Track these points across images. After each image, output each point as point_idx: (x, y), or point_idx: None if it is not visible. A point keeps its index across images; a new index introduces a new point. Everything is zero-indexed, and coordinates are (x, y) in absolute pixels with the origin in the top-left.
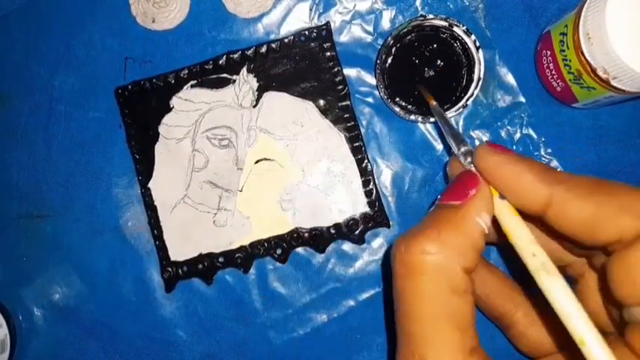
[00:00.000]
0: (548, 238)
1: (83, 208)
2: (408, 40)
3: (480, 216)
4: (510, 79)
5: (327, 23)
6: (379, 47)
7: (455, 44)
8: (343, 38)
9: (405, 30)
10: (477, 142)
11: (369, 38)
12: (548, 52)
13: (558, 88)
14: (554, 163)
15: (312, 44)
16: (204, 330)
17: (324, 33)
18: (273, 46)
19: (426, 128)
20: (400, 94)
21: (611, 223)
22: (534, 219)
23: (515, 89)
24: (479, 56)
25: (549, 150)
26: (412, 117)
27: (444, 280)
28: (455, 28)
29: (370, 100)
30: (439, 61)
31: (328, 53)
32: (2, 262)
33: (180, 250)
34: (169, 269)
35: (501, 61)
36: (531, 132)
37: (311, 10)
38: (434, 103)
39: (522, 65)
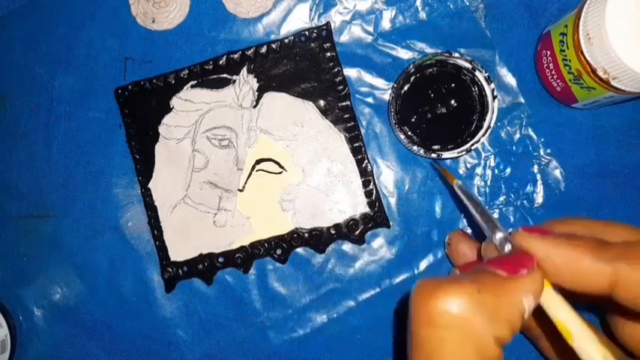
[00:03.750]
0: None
1: (83, 208)
2: (428, 72)
3: (527, 296)
4: (510, 79)
5: (328, 23)
6: (399, 73)
7: (473, 88)
8: (343, 38)
9: (428, 62)
10: (478, 146)
11: (369, 38)
12: (548, 53)
13: (558, 89)
14: (554, 163)
15: (313, 44)
16: (204, 330)
17: (324, 33)
18: (274, 46)
19: None
20: (408, 122)
21: None
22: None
23: (514, 90)
24: (494, 105)
25: (549, 150)
26: (414, 148)
27: (471, 343)
28: (477, 73)
29: (370, 100)
30: (453, 101)
31: (328, 53)
32: (2, 262)
33: (180, 251)
34: (169, 269)
35: (501, 61)
36: (531, 132)
37: (311, 10)
38: (458, 182)
39: (522, 65)
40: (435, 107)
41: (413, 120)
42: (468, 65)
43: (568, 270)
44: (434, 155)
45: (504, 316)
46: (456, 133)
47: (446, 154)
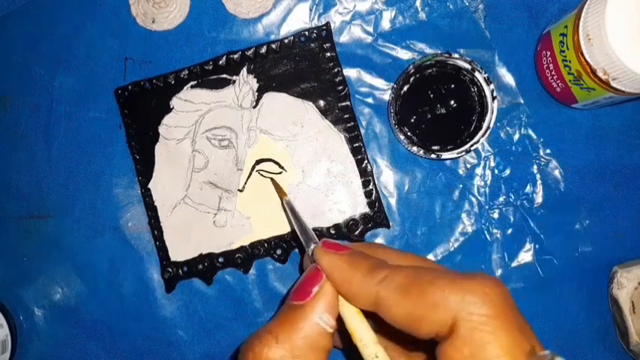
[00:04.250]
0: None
1: (83, 208)
2: (428, 73)
3: (321, 316)
4: (510, 79)
5: (327, 24)
6: (399, 74)
7: (472, 89)
8: (343, 39)
9: (428, 63)
10: (477, 147)
11: (369, 39)
12: (548, 53)
13: (558, 89)
14: (553, 164)
15: (312, 45)
16: (204, 330)
17: (324, 33)
18: (273, 46)
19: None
20: (408, 123)
21: (427, 319)
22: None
23: (514, 90)
24: (493, 106)
25: (548, 150)
26: (414, 148)
27: None
28: (476, 74)
29: (370, 100)
30: (453, 102)
31: (328, 54)
32: (3, 263)
33: (180, 251)
34: (169, 269)
35: (501, 61)
36: (531, 132)
37: (311, 10)
38: (287, 198)
39: (522, 65)
40: (435, 108)
41: (412, 120)
42: (467, 66)
43: (345, 286)
44: (433, 156)
45: (305, 345)
46: (456, 133)
47: (445, 155)
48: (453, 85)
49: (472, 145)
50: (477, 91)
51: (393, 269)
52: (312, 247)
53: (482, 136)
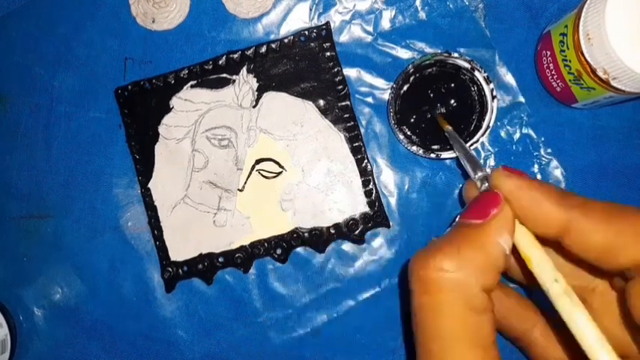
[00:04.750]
0: (565, 262)
1: (83, 208)
2: (428, 72)
3: (501, 236)
4: (510, 79)
5: (327, 23)
6: (399, 73)
7: (472, 88)
8: (343, 38)
9: (427, 62)
10: (477, 146)
11: (369, 38)
12: (548, 53)
13: (558, 89)
14: (554, 163)
15: (312, 44)
16: (204, 330)
17: (323, 33)
18: (273, 46)
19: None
20: (407, 122)
21: (629, 249)
22: (552, 243)
23: (514, 89)
24: (493, 105)
25: (549, 150)
26: (414, 148)
27: (462, 298)
28: (476, 73)
29: (370, 100)
30: (453, 101)
31: (328, 53)
32: (3, 262)
33: (180, 250)
34: (169, 269)
35: (501, 61)
36: (531, 132)
37: (311, 10)
38: (449, 127)
39: (522, 65)
40: (435, 107)
41: (412, 120)
42: (467, 65)
43: (530, 210)
44: (433, 155)
45: (488, 263)
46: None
47: (445, 154)
48: (452, 85)
49: (472, 145)
50: (477, 90)
51: (588, 199)
52: (480, 174)
53: (483, 135)
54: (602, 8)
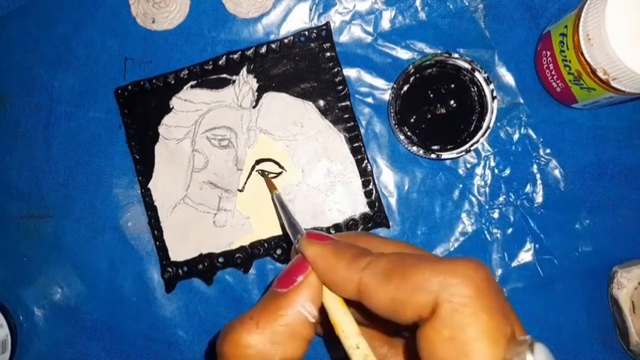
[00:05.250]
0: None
1: (83, 208)
2: (428, 73)
3: (304, 305)
4: (510, 79)
5: (327, 23)
6: (398, 74)
7: (472, 89)
8: (343, 38)
9: (427, 62)
10: (477, 146)
11: (368, 38)
12: (548, 53)
13: (558, 89)
14: (553, 163)
15: (312, 44)
16: (204, 330)
17: (323, 33)
18: (273, 46)
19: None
20: (408, 123)
21: (409, 303)
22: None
23: (514, 90)
24: (493, 106)
25: (548, 150)
26: (414, 148)
27: None
28: (476, 73)
29: (370, 100)
30: (453, 102)
31: (328, 53)
32: (3, 262)
33: (180, 251)
34: (169, 269)
35: (501, 61)
36: (530, 132)
37: (311, 10)
38: (277, 192)
39: (522, 65)
40: (435, 107)
41: (412, 120)
42: (467, 66)
43: (328, 275)
44: (433, 155)
45: (286, 333)
46: (456, 133)
47: (445, 155)
48: (452, 85)
49: (472, 145)
50: (477, 90)
51: (376, 256)
52: (299, 238)
53: (482, 135)
54: (602, 8)
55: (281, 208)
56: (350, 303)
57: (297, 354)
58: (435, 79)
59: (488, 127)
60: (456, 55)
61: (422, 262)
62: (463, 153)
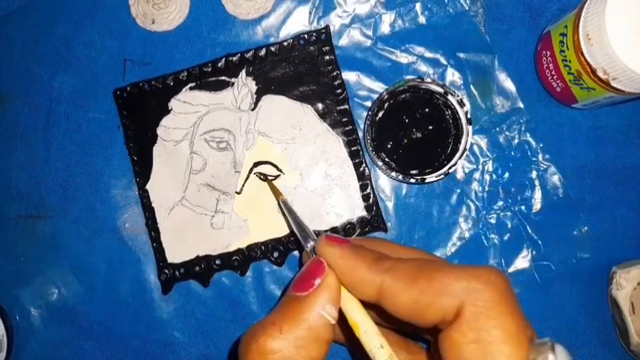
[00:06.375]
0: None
1: (81, 209)
2: (402, 98)
3: (324, 308)
4: (509, 84)
5: (327, 27)
6: (374, 99)
7: (447, 112)
8: (342, 42)
9: (401, 88)
10: (475, 147)
11: (368, 42)
12: (548, 53)
13: (558, 89)
14: (552, 169)
15: (312, 48)
16: (201, 332)
17: (323, 36)
18: (273, 49)
19: None
20: (385, 149)
21: (433, 306)
22: (377, 307)
23: (514, 94)
24: (468, 128)
25: (547, 156)
26: (393, 174)
27: None
28: (449, 97)
29: (368, 104)
30: (428, 125)
31: (327, 57)
32: (0, 262)
33: (177, 252)
34: (166, 271)
35: (501, 66)
36: (530, 138)
37: (310, 13)
38: (283, 198)
39: (522, 66)
40: (411, 132)
41: (389, 146)
42: (440, 90)
43: (348, 277)
44: (412, 180)
45: (310, 337)
46: (433, 156)
47: (428, 179)
48: (427, 109)
49: (450, 168)
50: (452, 113)
51: (398, 260)
52: (311, 244)
53: (460, 157)
54: (602, 8)
55: (289, 213)
56: (367, 307)
57: (320, 356)
58: (409, 104)
59: (464, 149)
60: (429, 80)
61: (446, 268)
62: (442, 176)
